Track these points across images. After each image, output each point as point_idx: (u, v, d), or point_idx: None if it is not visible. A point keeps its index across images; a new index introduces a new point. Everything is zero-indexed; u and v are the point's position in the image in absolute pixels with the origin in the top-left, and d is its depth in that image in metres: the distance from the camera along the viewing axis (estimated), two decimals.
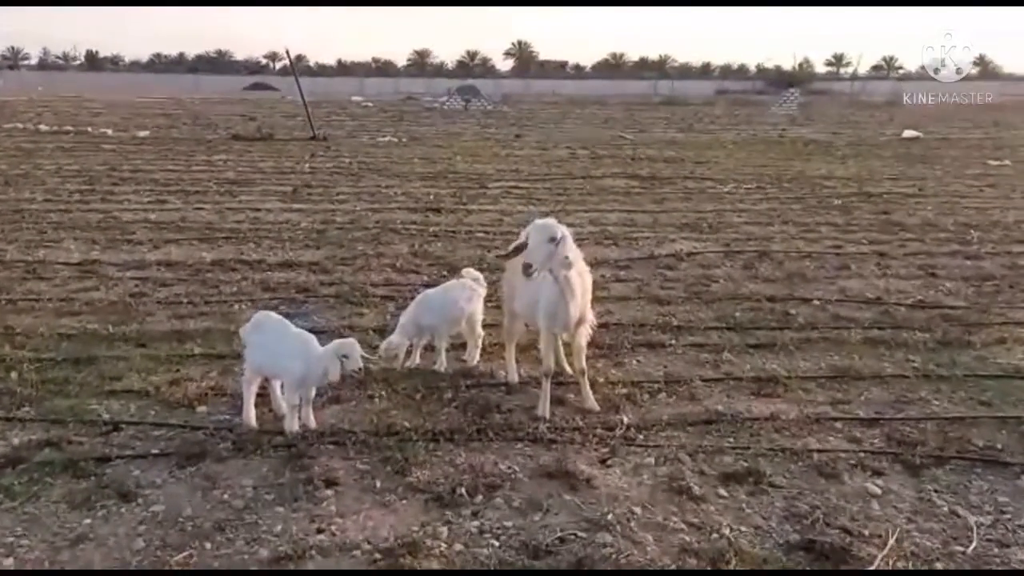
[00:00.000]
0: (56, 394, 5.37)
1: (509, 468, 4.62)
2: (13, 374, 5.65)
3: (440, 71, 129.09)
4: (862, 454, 4.89)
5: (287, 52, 27.20)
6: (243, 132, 24.96)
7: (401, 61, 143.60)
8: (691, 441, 5.01)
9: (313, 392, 5.05)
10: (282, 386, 5.07)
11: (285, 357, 4.90)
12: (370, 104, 46.48)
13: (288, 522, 4.03)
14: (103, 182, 14.61)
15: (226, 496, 4.21)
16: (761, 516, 4.22)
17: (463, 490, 4.36)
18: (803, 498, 4.40)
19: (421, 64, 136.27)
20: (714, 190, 15.49)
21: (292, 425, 4.89)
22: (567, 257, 5.05)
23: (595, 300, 7.96)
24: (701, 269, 9.37)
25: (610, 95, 63.21)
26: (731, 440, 5.05)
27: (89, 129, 24.90)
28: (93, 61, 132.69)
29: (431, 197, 13.92)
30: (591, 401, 5.46)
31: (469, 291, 6.14)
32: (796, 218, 12.63)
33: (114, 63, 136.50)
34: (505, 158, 20.46)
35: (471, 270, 6.42)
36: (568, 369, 6.00)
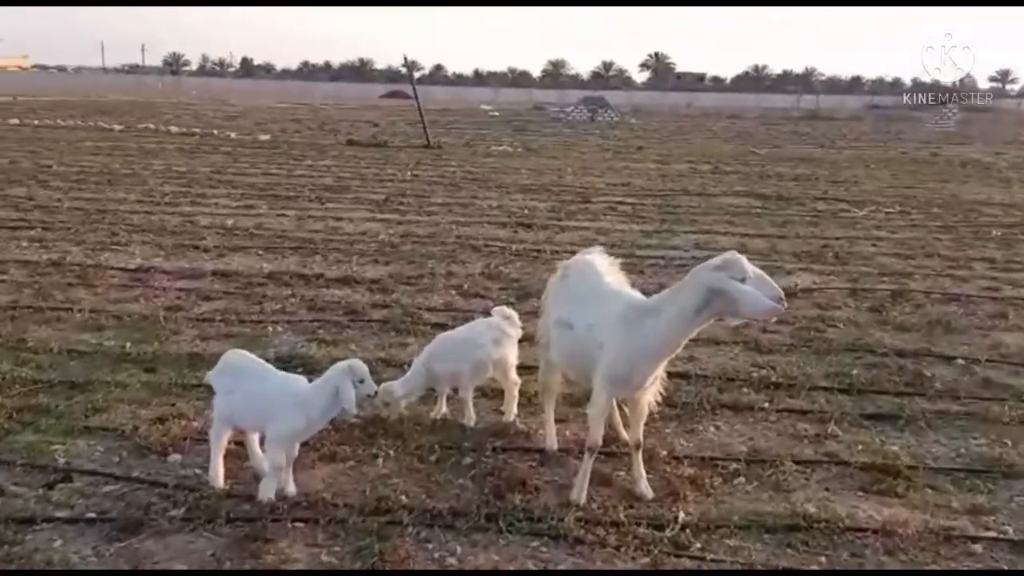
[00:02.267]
0: (27, 427, 4.71)
1: None
2: None
3: (574, 82, 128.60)
4: None
5: (405, 59, 26.88)
6: (359, 138, 24.86)
7: (537, 72, 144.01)
8: (765, 557, 3.77)
9: (297, 449, 4.15)
10: (262, 440, 4.20)
11: (275, 405, 4.02)
12: (497, 113, 46.28)
13: None
14: (201, 184, 14.48)
15: None
16: None
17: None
18: None
19: (556, 75, 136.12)
20: (847, 214, 13.77)
21: (269, 491, 4.00)
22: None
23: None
24: (818, 310, 7.94)
25: (749, 109, 60.62)
26: (822, 560, 3.77)
27: (215, 132, 25.43)
28: (248, 68, 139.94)
29: (525, 211, 12.95)
30: (643, 485, 4.30)
31: (497, 332, 5.09)
32: (944, 251, 10.86)
33: (267, 70, 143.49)
34: (619, 171, 19.26)
35: (504, 308, 5.35)
36: (624, 435, 4.86)
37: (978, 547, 3.90)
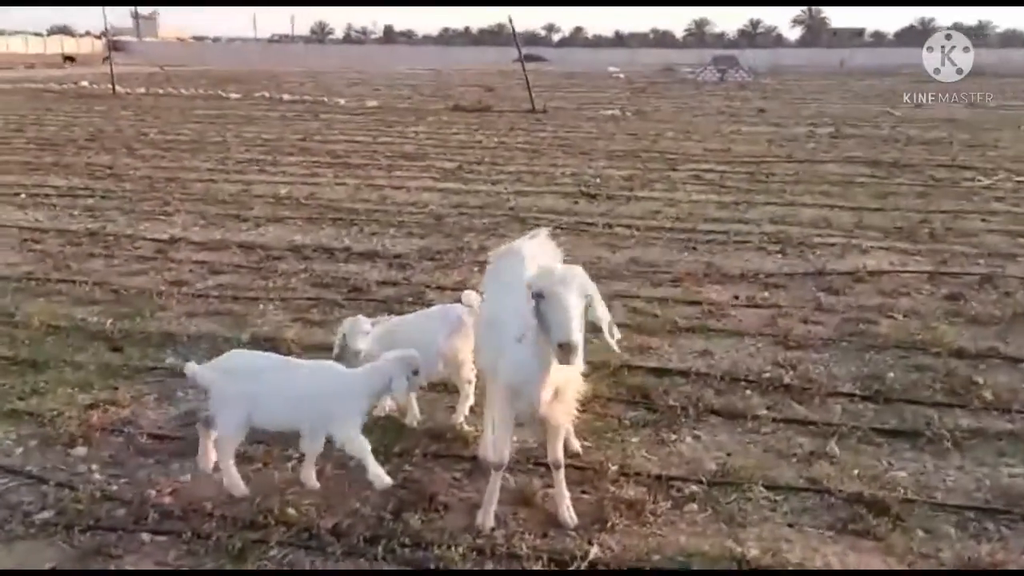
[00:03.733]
0: None
1: None
2: None
3: (720, 42, 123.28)
4: None
5: (509, 20, 26.22)
6: (465, 103, 24.56)
7: (680, 32, 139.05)
8: None
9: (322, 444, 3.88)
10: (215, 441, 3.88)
11: (328, 400, 3.74)
12: (622, 75, 44.84)
13: None
14: (280, 152, 14.54)
15: None
16: None
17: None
18: None
19: (699, 35, 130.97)
20: (969, 183, 12.18)
21: (382, 477, 3.70)
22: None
23: (700, 331, 6.09)
24: (880, 297, 6.91)
25: (910, 64, 55.55)
26: None
27: (324, 99, 25.78)
28: (389, 35, 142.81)
29: (598, 180, 12.20)
30: (563, 511, 3.69)
31: (454, 322, 4.55)
32: None
33: (407, 37, 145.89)
34: (726, 136, 17.99)
35: (472, 293, 4.78)
36: (574, 446, 4.26)
37: None
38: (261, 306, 6.46)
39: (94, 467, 4.07)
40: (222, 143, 15.64)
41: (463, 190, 11.32)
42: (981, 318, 6.36)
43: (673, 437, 4.49)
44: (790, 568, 3.36)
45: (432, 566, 3.35)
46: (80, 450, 4.22)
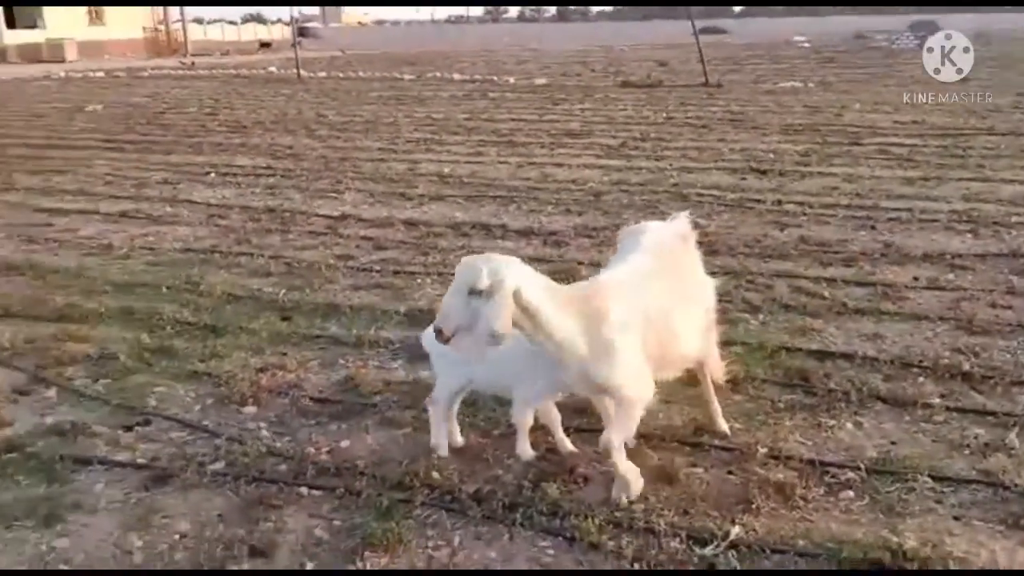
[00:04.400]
0: (147, 368, 5.06)
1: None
2: (144, 336, 5.52)
3: (915, 4, 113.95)
4: None
5: None
6: (635, 79, 24.15)
7: None
8: None
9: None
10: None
11: (525, 365, 3.72)
12: (807, 44, 42.46)
13: None
14: (447, 131, 14.88)
15: (139, 544, 3.37)
16: None
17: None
18: None
19: None
20: None
21: (526, 448, 3.91)
22: (492, 333, 3.11)
23: (873, 314, 5.66)
24: None
25: None
26: None
27: (494, 78, 26.13)
28: (563, 13, 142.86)
29: (770, 155, 11.64)
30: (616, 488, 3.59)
31: None
32: None
33: (581, 14, 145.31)
34: (918, 107, 16.60)
35: None
36: (722, 427, 4.10)
37: None
38: (419, 280, 6.66)
39: (261, 425, 4.36)
40: (393, 123, 16.21)
41: (625, 167, 11.14)
42: None
43: (832, 422, 4.22)
44: (947, 564, 3.07)
45: (568, 535, 3.33)
46: (250, 409, 4.53)
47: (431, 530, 3.43)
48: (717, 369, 4.18)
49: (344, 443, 4.15)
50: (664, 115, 16.33)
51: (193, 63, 38.08)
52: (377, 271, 6.87)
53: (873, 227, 7.87)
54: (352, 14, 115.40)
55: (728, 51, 36.53)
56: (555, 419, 3.97)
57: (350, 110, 18.69)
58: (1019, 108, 16.34)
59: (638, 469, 3.58)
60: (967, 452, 3.89)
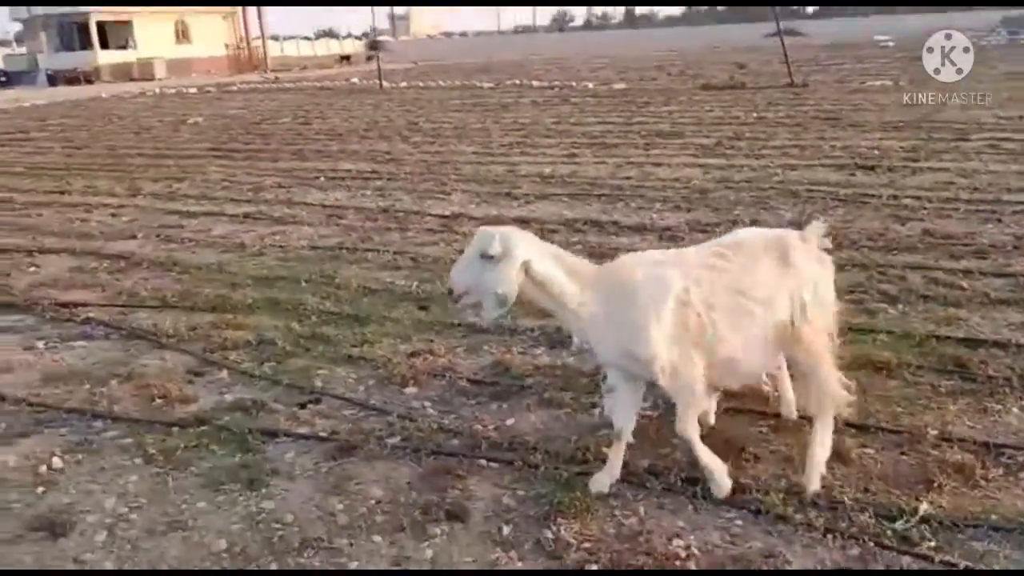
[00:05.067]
0: (305, 352, 5.32)
1: (687, 549, 3.21)
2: (294, 324, 5.80)
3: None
4: None
5: None
6: (715, 81, 24.00)
7: None
8: (1014, 566, 2.97)
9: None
10: None
11: None
12: (891, 44, 41.52)
13: (373, 558, 3.28)
14: (537, 135, 15.06)
15: (340, 507, 3.60)
16: None
17: (595, 567, 3.13)
18: None
19: None
20: None
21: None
22: (498, 292, 3.29)
23: (1016, 304, 5.58)
24: None
25: None
26: None
27: (573, 84, 26.28)
28: (630, 19, 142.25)
29: (875, 151, 11.48)
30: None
31: None
32: None
33: (649, 20, 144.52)
34: (1020, 103, 16.14)
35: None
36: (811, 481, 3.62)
37: None
38: None
39: (426, 404, 4.56)
40: (482, 129, 16.48)
41: (725, 165, 11.13)
42: None
43: (998, 407, 4.21)
44: None
45: (752, 508, 3.41)
46: (411, 389, 4.74)
47: (614, 500, 3.55)
48: (818, 400, 3.61)
49: (509, 421, 4.32)
50: (755, 115, 16.22)
51: (277, 77, 39.30)
52: None
53: (999, 220, 7.73)
54: (422, 26, 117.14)
55: (808, 52, 35.91)
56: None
57: (437, 117, 19.06)
58: None
59: (725, 466, 3.54)
60: None
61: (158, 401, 4.70)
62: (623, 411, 3.62)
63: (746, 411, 4.26)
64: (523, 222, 8.44)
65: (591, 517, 3.43)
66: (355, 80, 32.77)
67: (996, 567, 3.01)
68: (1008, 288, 5.90)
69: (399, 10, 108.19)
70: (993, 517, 3.28)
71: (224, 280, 7.01)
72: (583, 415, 4.36)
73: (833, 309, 3.67)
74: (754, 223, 7.97)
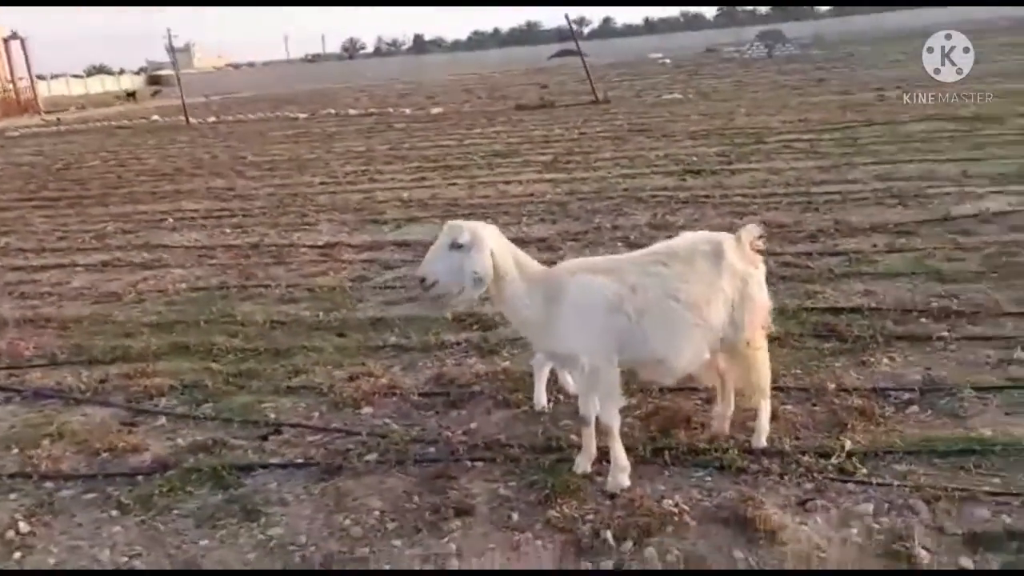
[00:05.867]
0: (240, 389, 5.36)
1: (676, 506, 3.69)
2: (215, 365, 5.78)
3: (752, 18, 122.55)
4: None
5: (567, 17, 26.81)
6: (527, 102, 25.21)
7: (711, 13, 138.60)
8: (935, 480, 3.71)
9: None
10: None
11: None
12: (667, 60, 45.16)
13: (400, 560, 3.51)
14: (378, 162, 15.32)
15: (347, 522, 3.79)
16: None
17: (609, 534, 3.54)
18: None
19: (731, 14, 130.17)
20: None
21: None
22: (475, 273, 3.64)
23: (856, 276, 6.60)
24: (1012, 233, 7.38)
25: (946, 24, 54.98)
26: (996, 482, 3.67)
27: (390, 110, 26.64)
28: (420, 45, 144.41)
29: (693, 158, 12.74)
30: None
31: None
32: None
33: (438, 44, 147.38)
34: (796, 108, 18.40)
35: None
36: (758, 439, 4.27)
37: None
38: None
39: (387, 421, 4.78)
40: (318, 159, 16.46)
41: (569, 179, 11.94)
42: None
43: (871, 359, 5.06)
44: (1022, 445, 3.90)
45: (716, 465, 3.97)
46: (368, 409, 4.94)
47: (598, 477, 3.98)
48: (758, 384, 4.10)
49: (473, 425, 4.65)
50: (577, 131, 17.33)
51: (59, 119, 36.56)
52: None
53: (816, 209, 8.95)
54: (206, 58, 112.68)
55: (595, 71, 38.22)
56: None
57: (264, 150, 18.74)
58: (883, 100, 18.38)
59: (629, 467, 3.89)
60: (988, 367, 4.81)
61: (104, 455, 4.60)
62: (583, 399, 4.03)
63: (682, 389, 4.83)
64: (405, 245, 8.80)
65: (584, 494, 3.85)
66: (156, 117, 31.23)
67: (913, 484, 3.71)
68: (845, 264, 6.95)
69: (179, 42, 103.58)
70: (899, 443, 4.03)
71: (114, 330, 6.77)
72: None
73: (767, 305, 4.10)
74: (615, 228, 8.76)
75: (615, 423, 3.90)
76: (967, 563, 3.19)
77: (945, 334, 5.30)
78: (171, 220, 11.27)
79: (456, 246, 3.64)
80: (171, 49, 35.97)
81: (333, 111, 27.92)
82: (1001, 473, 3.71)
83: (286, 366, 5.69)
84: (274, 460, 4.42)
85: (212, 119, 28.98)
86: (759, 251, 4.08)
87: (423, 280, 3.71)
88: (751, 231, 4.05)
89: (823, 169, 11.09)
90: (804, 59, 36.28)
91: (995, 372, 4.74)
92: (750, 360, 4.06)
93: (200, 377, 5.59)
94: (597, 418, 3.98)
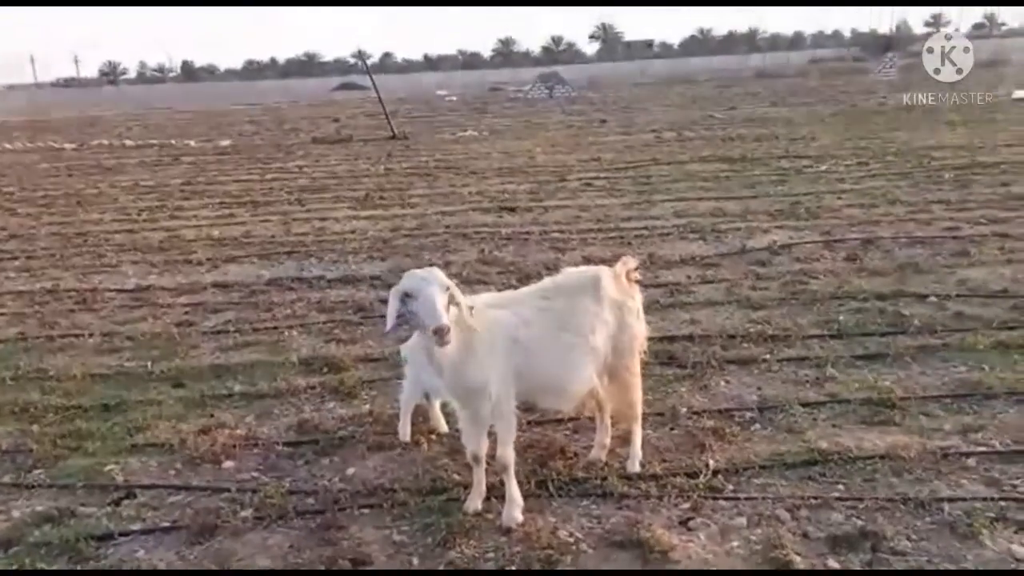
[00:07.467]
0: (74, 451, 4.88)
1: (571, 535, 3.85)
2: (35, 427, 5.22)
3: (526, 59, 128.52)
4: (1003, 503, 3.93)
5: (360, 53, 26.91)
6: (323, 135, 24.84)
7: (487, 52, 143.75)
8: (791, 491, 4.13)
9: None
10: None
11: None
12: (454, 97, 46.21)
13: None
14: (175, 197, 14.46)
15: None
16: None
17: (513, 569, 3.62)
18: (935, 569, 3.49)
19: (507, 54, 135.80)
20: (811, 170, 14.25)
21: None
22: (429, 325, 3.58)
23: (681, 306, 7.17)
24: (798, 263, 8.34)
25: (700, 72, 61.11)
26: (841, 488, 4.15)
27: (173, 142, 25.21)
28: (189, 72, 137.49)
29: (505, 195, 13.19)
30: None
31: None
32: (904, 197, 11.42)
33: (210, 72, 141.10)
34: (587, 147, 19.52)
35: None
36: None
37: (971, 461, 4.34)
38: (285, 333, 6.91)
39: (255, 474, 4.57)
40: (102, 194, 15.24)
41: (388, 215, 11.92)
42: (879, 270, 7.93)
43: (711, 383, 5.53)
44: (852, 453, 4.43)
45: (599, 493, 4.17)
46: (229, 463, 4.68)
47: (488, 514, 4.05)
48: (633, 408, 4.40)
49: (350, 471, 4.56)
50: (382, 167, 17.33)
51: None
52: (234, 331, 6.98)
53: (629, 243, 9.60)
54: None
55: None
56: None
57: (35, 184, 17.03)
58: (661, 141, 19.99)
59: (522, 503, 4.01)
60: (808, 385, 5.42)
61: None
62: (474, 439, 4.10)
63: (550, 421, 5.02)
64: (225, 287, 8.42)
65: (480, 532, 3.90)
66: None
67: (774, 496, 4.11)
68: (667, 295, 7.51)
69: None
70: (754, 459, 4.46)
71: None
72: (412, 452, 4.75)
73: (643, 333, 4.43)
74: (447, 264, 8.87)
75: (511, 458, 4.00)
76: (834, 564, 3.59)
77: (767, 356, 5.90)
78: None
79: (444, 288, 3.64)
80: None
81: (106, 141, 25.90)
82: (843, 480, 4.21)
83: (121, 423, 5.25)
84: (135, 526, 4.08)
85: None
86: (636, 281, 4.36)
87: (441, 330, 3.52)
88: (627, 263, 4.34)
89: (626, 206, 11.89)
90: (583, 100, 38.58)
91: (815, 389, 5.35)
92: (627, 384, 4.34)
93: (22, 441, 5.05)
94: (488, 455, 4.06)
